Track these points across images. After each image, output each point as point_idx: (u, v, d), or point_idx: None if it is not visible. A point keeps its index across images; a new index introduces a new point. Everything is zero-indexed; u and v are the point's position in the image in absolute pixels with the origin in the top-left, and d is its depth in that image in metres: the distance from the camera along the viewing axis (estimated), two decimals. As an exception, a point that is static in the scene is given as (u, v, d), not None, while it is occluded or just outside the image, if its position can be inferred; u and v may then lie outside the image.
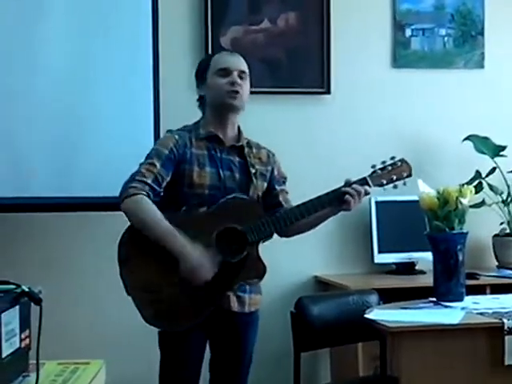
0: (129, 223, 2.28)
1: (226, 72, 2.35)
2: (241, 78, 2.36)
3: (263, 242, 2.34)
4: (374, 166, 2.40)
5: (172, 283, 2.23)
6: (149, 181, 2.25)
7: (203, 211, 2.29)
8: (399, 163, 2.41)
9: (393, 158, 2.42)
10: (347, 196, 2.31)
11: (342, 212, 2.42)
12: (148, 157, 2.32)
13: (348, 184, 2.34)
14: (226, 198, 2.30)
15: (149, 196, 2.24)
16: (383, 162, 2.40)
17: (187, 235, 2.21)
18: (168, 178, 2.30)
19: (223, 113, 2.38)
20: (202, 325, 2.29)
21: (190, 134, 2.36)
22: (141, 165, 2.30)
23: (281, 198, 2.45)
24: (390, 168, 2.39)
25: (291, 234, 2.48)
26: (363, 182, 2.35)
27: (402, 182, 2.41)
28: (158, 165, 2.28)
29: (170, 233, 2.19)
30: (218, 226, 2.25)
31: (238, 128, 2.43)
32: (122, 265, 2.27)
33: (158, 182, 2.27)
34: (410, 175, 2.42)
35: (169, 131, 2.40)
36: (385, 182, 2.38)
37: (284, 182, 2.49)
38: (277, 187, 2.46)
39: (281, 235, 2.46)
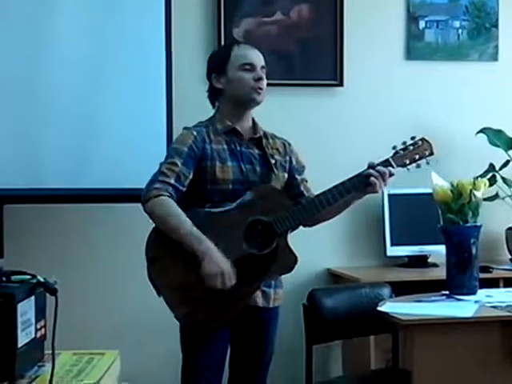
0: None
1: (250, 67, 2.33)
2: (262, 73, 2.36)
3: (291, 232, 2.32)
4: (394, 147, 2.38)
5: (203, 281, 2.19)
6: (171, 181, 2.22)
7: (228, 206, 2.26)
8: (420, 142, 2.39)
9: (413, 137, 2.40)
10: (372, 178, 2.29)
11: (354, 204, 2.42)
12: (168, 156, 2.30)
13: (371, 166, 2.32)
14: (251, 189, 2.28)
15: (172, 196, 2.21)
16: (404, 143, 2.39)
17: (213, 233, 2.19)
18: (190, 176, 2.27)
19: (243, 107, 2.36)
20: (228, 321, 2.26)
21: (207, 129, 2.33)
22: (161, 164, 2.27)
23: (302, 188, 2.43)
24: (411, 148, 2.38)
25: (315, 222, 2.44)
26: (386, 163, 2.34)
27: (424, 160, 2.39)
28: (179, 163, 2.25)
29: (194, 236, 2.16)
30: (245, 220, 2.23)
31: (253, 119, 2.41)
32: (151, 264, 2.23)
33: (180, 180, 2.24)
34: (432, 153, 2.40)
35: (185, 128, 2.37)
36: (408, 161, 2.37)
37: (303, 171, 2.47)
38: (297, 177, 2.44)
39: (304, 225, 2.42)
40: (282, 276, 2.41)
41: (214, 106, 2.42)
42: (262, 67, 2.37)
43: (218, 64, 2.37)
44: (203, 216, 2.24)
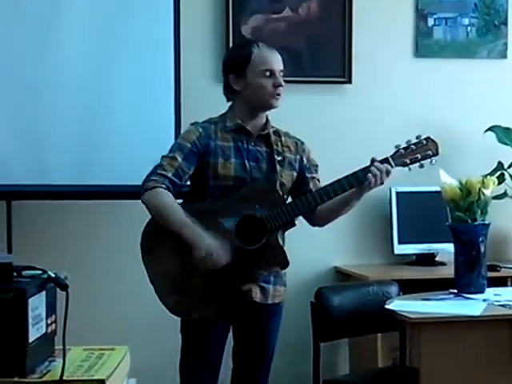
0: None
1: (270, 73, 2.32)
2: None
3: (285, 230, 2.32)
4: (397, 146, 2.33)
5: (193, 272, 2.25)
6: (169, 174, 2.26)
7: (223, 200, 2.29)
8: (424, 141, 2.33)
9: (418, 136, 2.35)
10: (368, 175, 2.26)
11: (362, 202, 2.41)
12: (171, 150, 2.33)
13: (373, 162, 2.30)
14: (247, 185, 2.30)
15: (168, 189, 2.26)
16: (408, 141, 2.34)
17: (205, 224, 2.23)
18: (190, 172, 2.30)
19: (258, 109, 2.36)
20: (225, 314, 2.30)
21: (215, 127, 2.34)
22: (163, 158, 2.31)
23: (311, 186, 2.42)
24: (414, 147, 2.32)
25: (321, 222, 2.44)
26: (384, 161, 2.30)
27: (428, 161, 2.32)
28: (179, 158, 2.28)
29: (184, 223, 2.22)
30: (237, 214, 2.26)
31: (266, 117, 2.41)
32: (144, 254, 2.31)
33: (178, 175, 2.28)
34: (436, 154, 2.33)
35: (193, 124, 2.38)
36: (408, 161, 2.31)
37: (316, 170, 2.46)
38: (307, 175, 2.43)
39: (313, 224, 2.43)
40: (289, 274, 2.41)
41: (228, 100, 2.41)
42: (281, 71, 2.35)
43: (236, 65, 2.34)
44: (197, 208, 2.28)
